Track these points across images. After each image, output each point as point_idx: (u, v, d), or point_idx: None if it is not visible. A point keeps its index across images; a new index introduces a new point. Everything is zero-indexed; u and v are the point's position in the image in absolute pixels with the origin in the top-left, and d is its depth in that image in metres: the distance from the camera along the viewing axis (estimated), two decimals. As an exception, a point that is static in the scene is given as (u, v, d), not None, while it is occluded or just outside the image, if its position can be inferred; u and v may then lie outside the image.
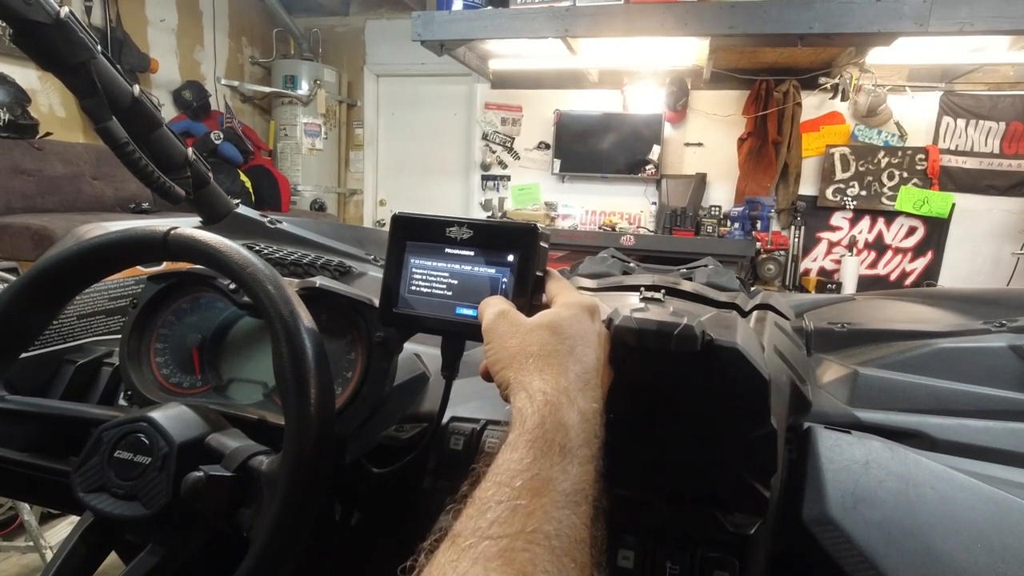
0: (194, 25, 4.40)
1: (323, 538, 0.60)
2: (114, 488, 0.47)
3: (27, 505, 1.77)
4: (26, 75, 3.18)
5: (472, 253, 0.49)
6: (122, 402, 0.70)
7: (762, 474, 0.49)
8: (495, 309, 0.44)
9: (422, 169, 5.21)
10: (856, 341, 0.84)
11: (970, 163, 3.94)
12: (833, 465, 0.51)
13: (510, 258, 0.48)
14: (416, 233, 0.51)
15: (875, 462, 0.51)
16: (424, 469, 0.59)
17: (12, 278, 1.92)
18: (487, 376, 0.43)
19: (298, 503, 0.43)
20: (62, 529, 1.96)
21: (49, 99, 3.44)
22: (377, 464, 0.59)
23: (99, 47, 0.69)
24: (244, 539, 0.44)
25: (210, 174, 0.88)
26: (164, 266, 0.72)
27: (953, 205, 3.97)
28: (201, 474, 0.44)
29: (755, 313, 0.83)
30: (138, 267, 0.78)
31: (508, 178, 4.88)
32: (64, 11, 0.64)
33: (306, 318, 0.48)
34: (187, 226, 0.53)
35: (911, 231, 4.11)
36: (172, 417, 0.49)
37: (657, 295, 0.75)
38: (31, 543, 1.76)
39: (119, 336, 0.79)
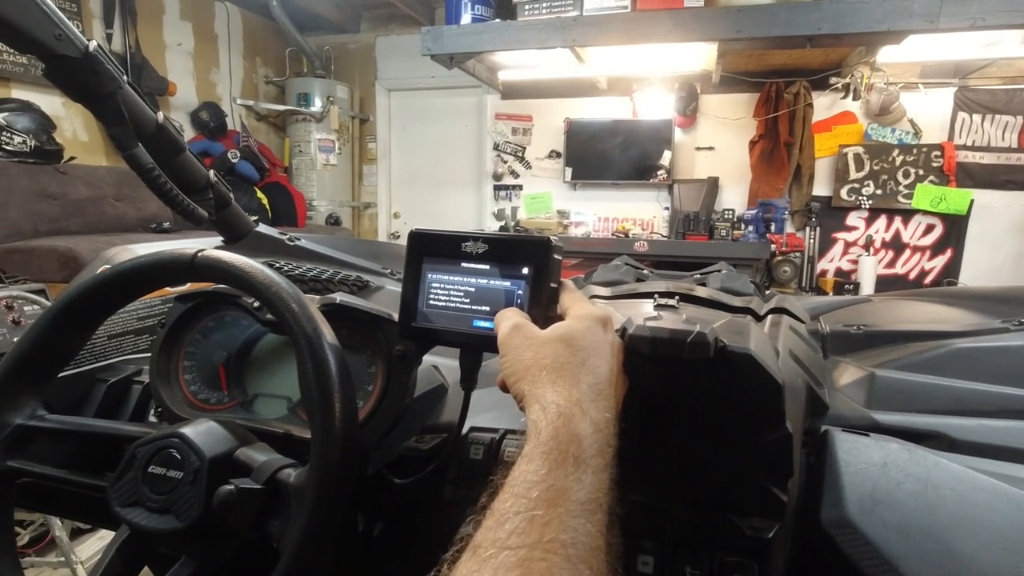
0: (210, 48, 4.51)
1: (347, 549, 0.61)
2: (148, 502, 0.48)
3: (58, 521, 1.81)
4: (51, 102, 3.28)
5: (488, 267, 0.50)
6: (152, 418, 0.73)
7: (779, 478, 0.50)
8: (510, 322, 0.45)
9: (435, 181, 5.26)
10: (872, 343, 0.84)
11: (987, 158, 3.89)
12: (851, 468, 0.51)
13: (525, 271, 0.49)
14: (433, 248, 0.52)
15: (893, 464, 0.51)
16: (445, 479, 0.60)
17: (40, 299, 1.98)
18: (504, 387, 0.44)
19: (325, 513, 0.44)
20: (92, 544, 2.00)
21: (73, 125, 3.54)
22: (399, 475, 0.60)
23: (125, 77, 0.72)
24: (274, 549, 0.46)
25: (231, 195, 0.91)
26: (188, 286, 0.74)
27: (971, 201, 3.91)
28: (232, 487, 0.46)
29: (770, 317, 0.83)
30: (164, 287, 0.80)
31: (520, 187, 4.90)
32: (92, 45, 0.67)
33: (329, 334, 0.49)
34: (209, 246, 0.55)
35: (929, 229, 4.05)
36: (202, 433, 0.51)
37: (671, 302, 0.76)
38: (62, 558, 1.80)
39: (148, 354, 0.82)
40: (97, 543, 2.04)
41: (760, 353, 0.50)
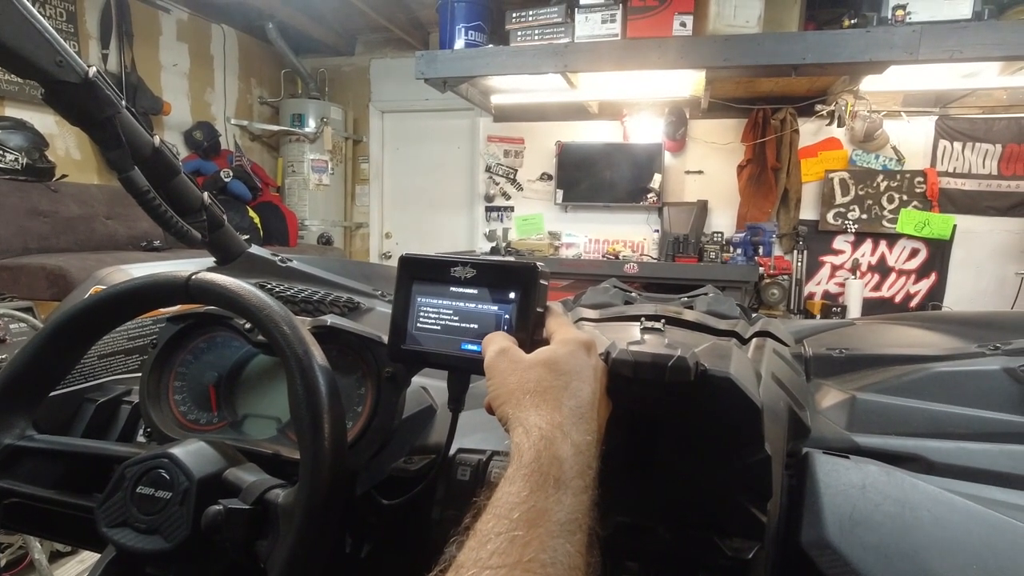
0: (205, 68, 4.54)
1: (334, 570, 0.61)
2: (136, 523, 0.48)
3: (37, 543, 1.77)
4: (44, 121, 3.29)
5: (476, 291, 0.51)
6: (141, 439, 0.73)
7: (759, 499, 0.51)
8: (496, 346, 0.46)
9: (427, 202, 5.29)
10: (854, 366, 0.86)
11: (969, 185, 3.97)
12: (830, 489, 0.52)
13: (512, 296, 0.50)
14: (422, 273, 0.53)
15: (872, 486, 0.52)
16: (433, 500, 0.60)
17: (28, 317, 1.97)
18: (491, 410, 0.45)
19: (313, 534, 0.45)
20: (71, 567, 1.96)
21: (66, 143, 3.55)
22: (387, 496, 0.61)
23: (123, 102, 0.73)
24: (261, 570, 0.46)
25: (224, 217, 0.92)
26: (178, 307, 0.75)
27: (954, 227, 3.99)
28: (220, 507, 0.46)
29: (754, 340, 0.84)
30: (156, 307, 0.80)
31: (512, 209, 4.94)
32: (92, 71, 0.68)
33: (319, 356, 0.50)
34: (201, 266, 0.56)
35: (914, 253, 4.12)
36: (191, 453, 0.51)
37: (657, 325, 0.78)
38: (41, 583, 1.76)
39: (137, 374, 0.82)
40: (77, 566, 2.00)
41: (740, 377, 0.51)
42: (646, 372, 0.48)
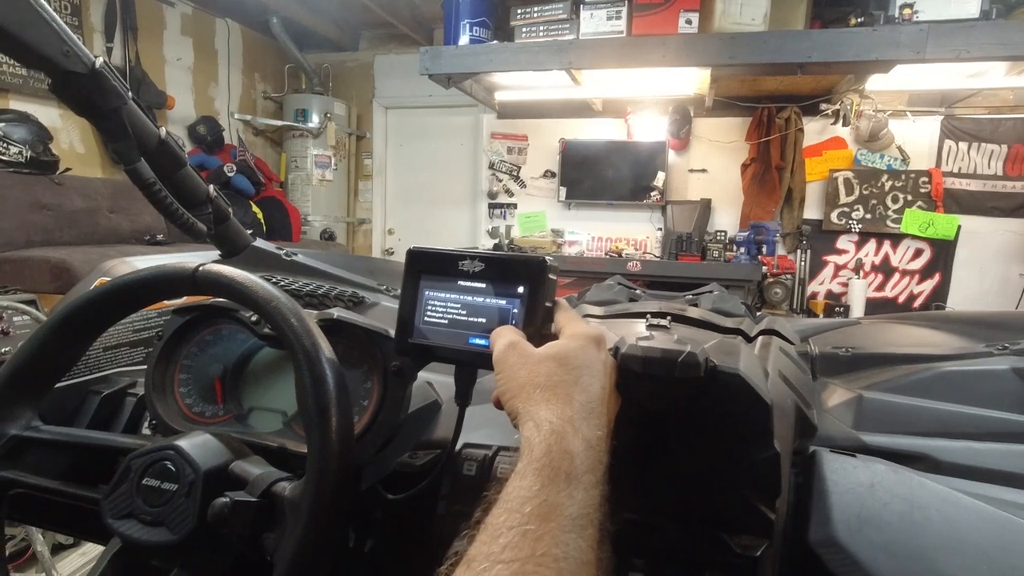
0: (209, 63, 4.54)
1: (338, 565, 0.61)
2: (142, 514, 0.48)
3: (40, 536, 1.78)
4: (48, 114, 3.29)
5: (484, 285, 0.51)
6: (146, 431, 0.72)
7: (767, 496, 0.51)
8: (505, 340, 0.46)
9: (430, 198, 5.29)
10: (860, 365, 0.85)
11: (974, 185, 3.96)
12: (839, 488, 0.52)
13: (520, 290, 0.50)
14: (430, 266, 0.53)
15: (880, 485, 0.52)
16: (438, 495, 0.60)
17: (31, 310, 1.97)
18: (499, 404, 0.45)
19: (320, 527, 0.45)
20: (73, 560, 1.97)
21: (70, 136, 3.55)
22: (392, 491, 0.60)
23: (130, 93, 0.73)
24: (268, 563, 0.46)
25: (230, 210, 0.92)
26: (184, 299, 0.75)
27: (959, 227, 3.98)
28: (227, 500, 0.46)
29: (760, 338, 0.84)
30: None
31: (515, 206, 4.94)
32: (99, 61, 0.68)
33: (327, 349, 0.50)
34: (207, 259, 0.56)
35: (918, 253, 4.11)
36: (198, 445, 0.51)
37: (663, 322, 0.77)
38: (43, 574, 1.77)
39: (142, 367, 0.82)
40: (79, 559, 2.01)
41: (749, 373, 0.51)
42: (656, 368, 0.47)
